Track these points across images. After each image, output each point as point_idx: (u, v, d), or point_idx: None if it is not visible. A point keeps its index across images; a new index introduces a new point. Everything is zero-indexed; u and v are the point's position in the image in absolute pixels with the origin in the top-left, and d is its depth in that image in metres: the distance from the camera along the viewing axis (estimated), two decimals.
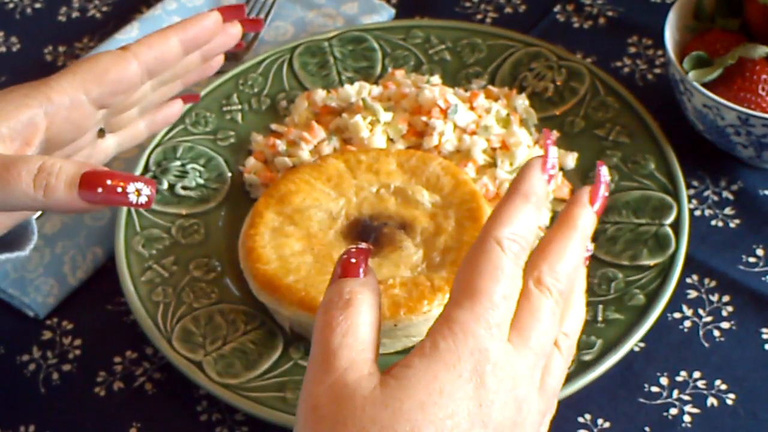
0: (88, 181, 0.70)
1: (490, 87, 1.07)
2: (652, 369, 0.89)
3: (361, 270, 0.67)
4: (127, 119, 0.86)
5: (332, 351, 0.62)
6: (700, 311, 0.93)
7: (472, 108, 1.02)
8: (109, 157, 0.88)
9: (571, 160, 1.01)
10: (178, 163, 1.02)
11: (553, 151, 0.69)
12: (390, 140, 1.01)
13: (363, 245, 0.69)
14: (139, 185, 0.71)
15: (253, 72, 1.09)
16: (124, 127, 0.87)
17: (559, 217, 0.69)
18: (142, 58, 0.79)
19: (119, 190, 0.70)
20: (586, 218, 0.68)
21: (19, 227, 0.83)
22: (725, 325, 0.92)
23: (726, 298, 0.93)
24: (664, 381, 0.88)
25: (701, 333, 0.91)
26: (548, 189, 0.68)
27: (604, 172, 0.71)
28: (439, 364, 0.60)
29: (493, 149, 0.99)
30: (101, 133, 0.85)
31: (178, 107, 0.91)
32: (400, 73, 1.08)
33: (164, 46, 0.80)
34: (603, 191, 0.70)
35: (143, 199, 0.71)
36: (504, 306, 0.63)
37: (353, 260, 0.67)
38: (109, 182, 0.70)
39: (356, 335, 0.63)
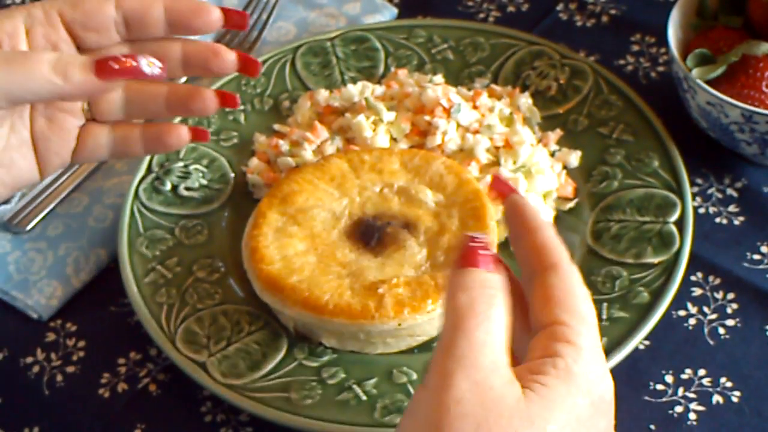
0: (102, 62, 0.73)
1: (493, 86, 1.07)
2: (657, 367, 0.89)
3: (488, 264, 0.65)
4: (111, 105, 0.84)
5: (478, 346, 0.60)
6: (705, 309, 0.92)
7: (475, 107, 1.02)
8: (101, 153, 0.84)
9: (575, 158, 1.00)
10: (181, 164, 1.02)
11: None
12: (393, 140, 1.01)
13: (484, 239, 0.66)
14: (150, 59, 0.74)
15: None
16: (109, 115, 0.84)
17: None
18: (121, 2, 0.80)
19: (133, 63, 0.73)
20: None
21: None
22: (730, 322, 0.91)
23: (731, 296, 0.93)
24: (669, 379, 0.88)
25: (706, 330, 0.91)
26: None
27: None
28: (578, 390, 0.60)
29: (497, 148, 0.99)
30: (86, 112, 0.84)
31: (183, 135, 0.84)
32: (402, 73, 1.08)
33: (148, 2, 0.80)
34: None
35: (156, 70, 0.74)
36: None
37: (485, 252, 0.65)
38: (122, 58, 0.73)
39: (500, 336, 0.61)
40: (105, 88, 0.74)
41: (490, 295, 0.62)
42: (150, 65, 0.74)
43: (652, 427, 0.86)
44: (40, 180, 0.82)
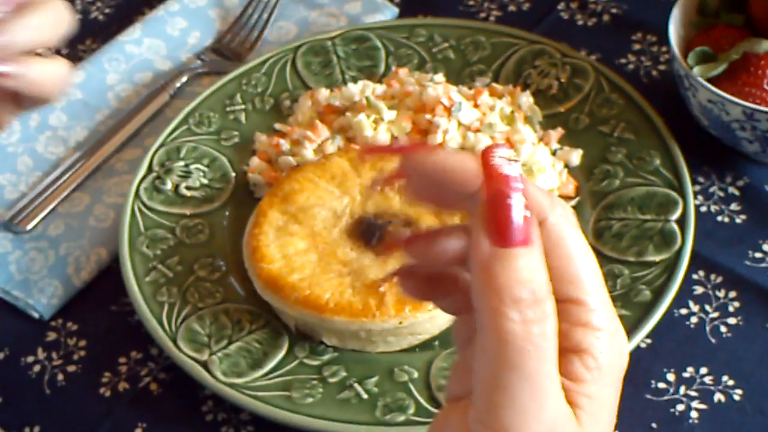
0: None
1: (494, 85, 1.06)
2: (658, 365, 0.89)
3: (533, 234, 0.49)
4: None
5: (543, 393, 0.48)
6: (707, 307, 0.92)
7: (476, 106, 1.02)
8: None
9: (576, 157, 1.00)
10: (182, 163, 1.02)
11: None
12: (394, 138, 1.01)
13: (506, 152, 0.49)
14: None
15: (256, 72, 1.09)
16: None
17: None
18: None
19: None
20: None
21: None
22: (732, 320, 0.91)
23: (732, 294, 0.93)
24: (670, 377, 0.88)
25: (708, 329, 0.91)
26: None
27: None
28: (611, 382, 0.52)
29: None
30: None
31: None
32: (403, 72, 1.08)
33: None
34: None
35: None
36: None
37: (527, 214, 0.48)
38: None
39: (555, 357, 0.49)
40: None
41: (537, 302, 0.48)
42: None
43: (654, 425, 0.85)
44: None
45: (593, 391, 0.51)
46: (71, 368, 0.92)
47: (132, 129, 1.08)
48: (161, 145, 1.03)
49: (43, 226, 1.01)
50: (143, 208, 0.98)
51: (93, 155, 1.05)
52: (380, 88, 1.05)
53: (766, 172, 1.01)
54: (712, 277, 0.94)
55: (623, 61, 1.11)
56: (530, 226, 0.48)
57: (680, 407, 0.86)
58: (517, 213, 0.47)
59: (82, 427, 0.89)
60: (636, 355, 0.88)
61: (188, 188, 1.00)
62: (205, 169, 1.02)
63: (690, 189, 0.96)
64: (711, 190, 1.00)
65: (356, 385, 0.86)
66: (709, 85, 0.94)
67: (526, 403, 0.47)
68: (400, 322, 0.85)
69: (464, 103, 1.00)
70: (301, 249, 0.90)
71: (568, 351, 0.51)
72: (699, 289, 0.93)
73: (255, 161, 1.02)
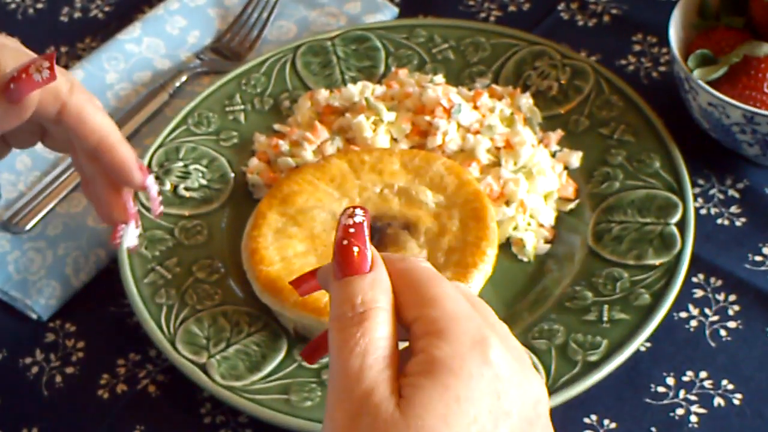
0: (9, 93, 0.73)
1: (494, 86, 1.06)
2: (658, 369, 0.89)
3: (368, 262, 0.61)
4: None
5: (353, 375, 0.58)
6: (707, 310, 0.92)
7: (475, 107, 1.01)
8: None
9: (576, 159, 1.00)
10: (181, 164, 1.02)
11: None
12: (393, 140, 1.01)
13: (359, 211, 0.62)
14: (40, 63, 0.73)
15: (255, 72, 1.09)
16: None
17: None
18: None
19: (25, 75, 0.73)
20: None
21: None
22: (732, 324, 0.91)
23: (732, 297, 0.93)
24: (670, 381, 0.88)
25: (707, 332, 0.91)
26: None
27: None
28: (446, 374, 0.57)
29: (497, 148, 0.99)
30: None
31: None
32: (403, 73, 1.08)
33: None
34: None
35: (46, 74, 0.73)
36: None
37: (356, 249, 0.61)
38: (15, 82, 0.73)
39: (377, 353, 0.59)
40: (21, 108, 0.75)
41: (360, 315, 0.59)
42: (39, 72, 0.73)
43: (653, 429, 0.85)
44: None
45: (419, 382, 0.57)
46: (69, 370, 0.92)
47: (131, 128, 1.08)
48: (160, 145, 1.03)
49: (42, 226, 1.01)
50: (142, 209, 0.98)
51: None
52: (380, 89, 1.05)
53: (766, 175, 1.01)
54: (712, 280, 0.94)
55: (623, 62, 1.11)
56: (362, 261, 0.61)
57: (680, 411, 0.86)
58: (348, 253, 0.61)
59: (79, 429, 0.89)
60: (635, 358, 0.88)
61: (187, 189, 1.00)
62: (204, 169, 1.02)
63: (690, 192, 0.95)
64: (711, 192, 1.00)
65: None
66: (709, 88, 0.94)
67: (337, 385, 0.58)
68: None
69: (464, 105, 1.00)
70: (300, 251, 0.90)
71: (412, 356, 0.59)
72: (699, 293, 0.93)
73: (254, 162, 1.02)
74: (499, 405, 0.58)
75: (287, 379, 0.87)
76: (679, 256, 0.91)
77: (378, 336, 0.59)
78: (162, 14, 1.18)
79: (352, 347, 0.59)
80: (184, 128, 1.04)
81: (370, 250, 0.61)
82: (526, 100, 1.04)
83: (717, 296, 0.93)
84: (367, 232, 0.61)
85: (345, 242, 0.61)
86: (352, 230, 0.61)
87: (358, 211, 0.62)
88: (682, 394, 0.87)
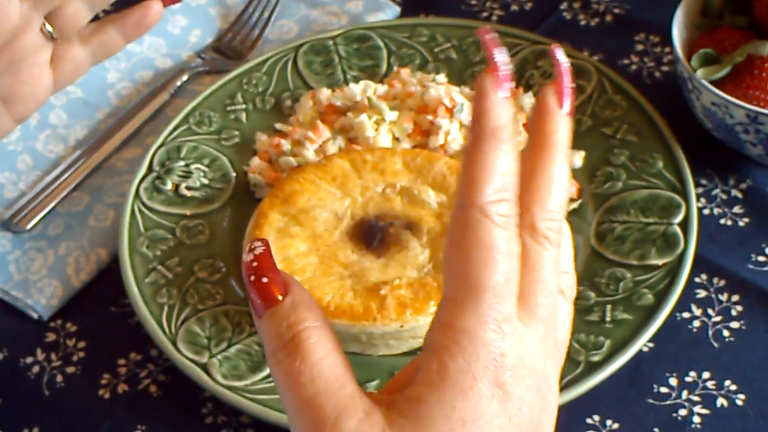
0: None
1: None
2: (661, 369, 0.88)
3: (281, 286, 0.55)
4: (75, 16, 0.84)
5: (310, 405, 0.52)
6: (710, 311, 0.92)
7: None
8: (83, 68, 0.86)
9: (579, 158, 1.00)
10: (182, 163, 1.01)
11: (501, 55, 0.55)
12: (395, 139, 1.00)
13: (257, 243, 0.56)
14: None
15: (257, 71, 1.09)
16: (76, 26, 0.84)
17: (532, 135, 0.57)
18: None
19: None
20: (561, 128, 0.57)
21: None
22: (735, 324, 0.91)
23: (735, 298, 0.93)
24: (673, 381, 0.88)
25: (710, 333, 0.91)
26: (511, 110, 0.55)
27: (560, 57, 0.58)
28: (454, 392, 0.51)
29: None
30: (52, 39, 0.83)
31: (155, 9, 0.86)
32: (405, 72, 1.07)
33: None
34: (567, 82, 0.58)
35: None
36: (509, 291, 0.53)
37: (265, 279, 0.55)
38: None
39: (325, 375, 0.52)
40: None
41: (289, 343, 0.53)
42: None
43: (656, 430, 0.85)
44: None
45: (421, 394, 0.52)
46: (70, 369, 0.92)
47: (132, 128, 1.07)
48: (161, 145, 1.02)
49: (43, 225, 1.01)
50: (143, 208, 0.97)
51: (93, 154, 1.05)
52: (382, 89, 1.04)
53: None
54: (715, 280, 0.94)
55: (626, 62, 1.11)
56: (276, 287, 0.55)
57: (683, 412, 0.86)
58: (259, 287, 0.55)
59: (81, 429, 0.89)
60: (638, 359, 0.88)
61: (188, 188, 1.00)
62: (206, 169, 1.02)
63: (693, 192, 0.95)
64: (714, 192, 1.00)
65: None
66: (712, 88, 0.94)
67: (300, 427, 0.52)
68: (402, 326, 0.85)
69: (466, 104, 1.00)
70: (302, 251, 0.90)
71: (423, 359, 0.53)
72: (701, 293, 0.93)
73: (256, 161, 1.02)
74: (510, 424, 0.52)
75: None
76: (682, 257, 0.91)
77: (319, 356, 0.53)
78: (163, 13, 1.17)
79: (296, 378, 0.53)
80: (185, 127, 1.04)
81: (280, 275, 0.55)
82: (529, 100, 1.04)
83: (720, 296, 0.93)
84: (272, 259, 0.55)
85: (252, 278, 0.55)
86: (255, 263, 0.55)
87: (256, 243, 0.56)
88: (684, 394, 0.87)
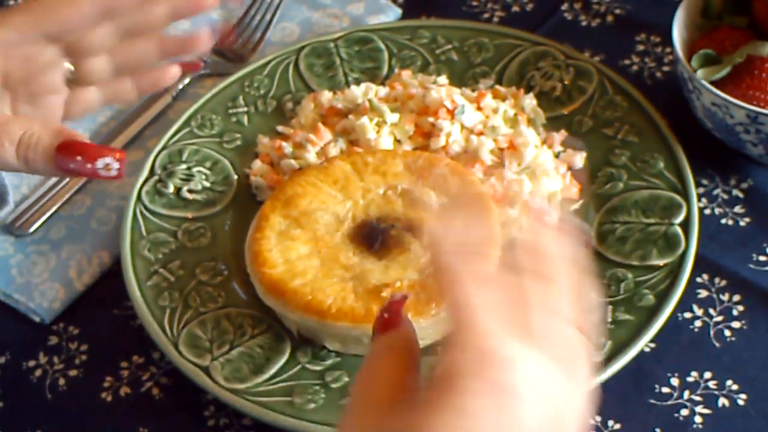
0: (62, 155, 0.75)
1: (498, 87, 1.06)
2: (662, 370, 0.88)
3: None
4: (98, 69, 0.86)
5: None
6: (711, 311, 0.92)
7: (479, 108, 1.01)
8: (92, 109, 0.89)
9: (579, 159, 1.00)
10: (184, 166, 1.01)
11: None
12: (397, 141, 1.01)
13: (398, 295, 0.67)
14: (108, 160, 0.75)
15: (258, 74, 1.09)
16: (96, 77, 0.86)
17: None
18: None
19: (89, 166, 0.75)
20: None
21: None
22: (736, 324, 0.91)
23: (737, 298, 0.93)
24: (674, 382, 0.88)
25: (712, 333, 0.91)
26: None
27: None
28: (466, 386, 0.55)
29: (501, 150, 0.99)
30: (72, 82, 0.85)
31: (173, 72, 0.89)
32: (406, 74, 1.07)
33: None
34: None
35: (113, 173, 0.75)
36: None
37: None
38: (79, 158, 0.75)
39: (378, 394, 0.60)
40: (67, 175, 0.78)
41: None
42: (107, 169, 0.75)
43: (658, 430, 0.85)
44: None
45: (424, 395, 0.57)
46: (72, 372, 0.92)
47: (134, 131, 1.08)
48: (163, 148, 1.02)
49: (45, 229, 1.01)
50: (145, 212, 0.98)
51: None
52: (383, 91, 1.04)
53: None
54: (716, 280, 0.94)
55: (627, 62, 1.11)
56: None
57: (684, 412, 0.86)
58: None
59: None
60: (640, 359, 0.88)
61: (190, 191, 1.00)
62: (208, 172, 1.02)
63: (694, 192, 0.95)
64: (715, 192, 1.00)
65: None
66: (713, 88, 0.94)
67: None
68: None
69: (467, 106, 1.00)
70: (304, 253, 0.90)
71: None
72: (703, 293, 0.93)
73: (257, 164, 1.02)
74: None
75: (291, 382, 0.87)
76: (683, 257, 0.91)
77: (379, 379, 0.62)
78: None
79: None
80: (187, 130, 1.04)
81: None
82: (530, 101, 1.04)
83: (721, 296, 0.93)
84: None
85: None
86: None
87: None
88: (686, 394, 0.87)
